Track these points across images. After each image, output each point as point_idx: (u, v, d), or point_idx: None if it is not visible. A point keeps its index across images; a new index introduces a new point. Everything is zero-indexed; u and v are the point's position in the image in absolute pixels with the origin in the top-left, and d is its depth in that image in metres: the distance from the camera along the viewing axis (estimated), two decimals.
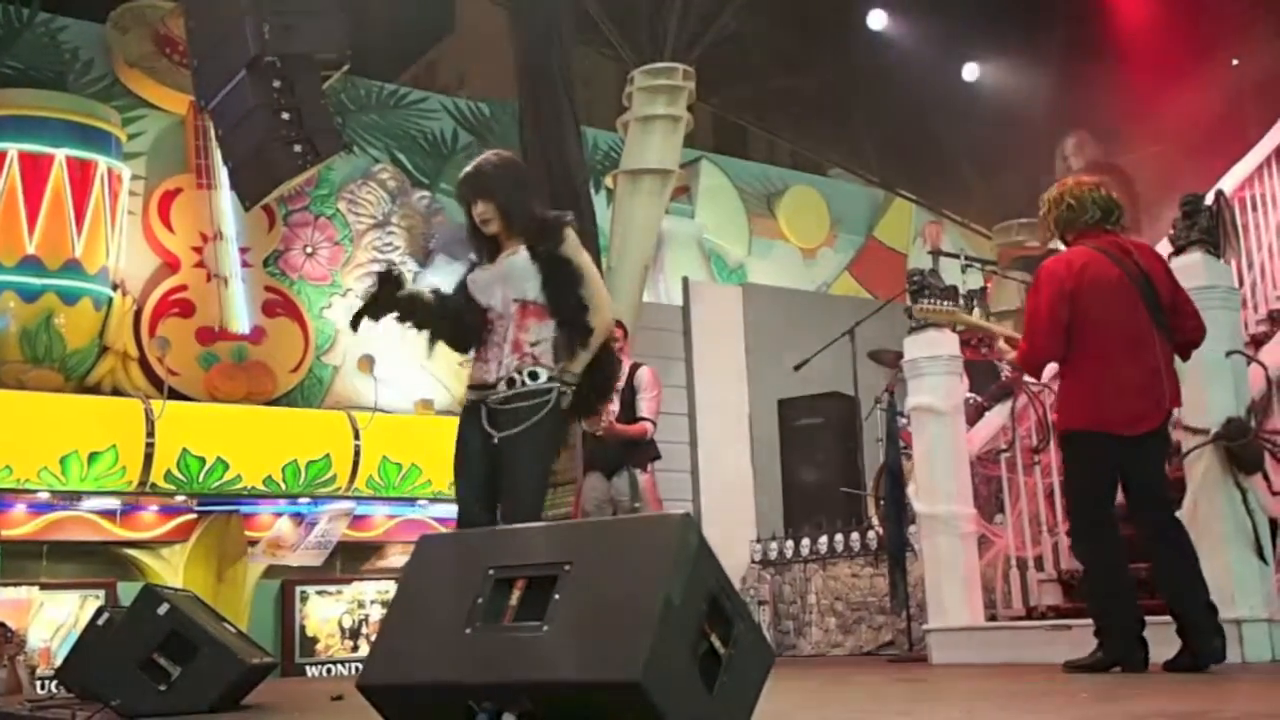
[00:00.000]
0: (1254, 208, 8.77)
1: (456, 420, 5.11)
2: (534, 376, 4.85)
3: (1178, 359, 5.40)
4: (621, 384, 7.63)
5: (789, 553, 9.90)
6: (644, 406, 7.69)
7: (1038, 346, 5.36)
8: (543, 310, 4.92)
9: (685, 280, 12.56)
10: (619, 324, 7.98)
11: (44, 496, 10.54)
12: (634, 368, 7.83)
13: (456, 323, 5.12)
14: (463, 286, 5.16)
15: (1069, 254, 5.44)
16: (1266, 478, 5.79)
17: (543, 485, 5.04)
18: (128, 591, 10.22)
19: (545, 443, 4.94)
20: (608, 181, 13.25)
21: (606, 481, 7.50)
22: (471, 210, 5.05)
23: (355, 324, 5.20)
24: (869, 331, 9.70)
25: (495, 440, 4.85)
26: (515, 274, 4.94)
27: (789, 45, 13.21)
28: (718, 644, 2.93)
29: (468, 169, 5.11)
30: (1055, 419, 5.52)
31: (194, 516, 11.25)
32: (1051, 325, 5.30)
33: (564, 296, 4.91)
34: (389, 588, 11.66)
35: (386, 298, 5.13)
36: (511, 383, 4.86)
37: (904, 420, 7.80)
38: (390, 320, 5.16)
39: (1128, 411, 5.27)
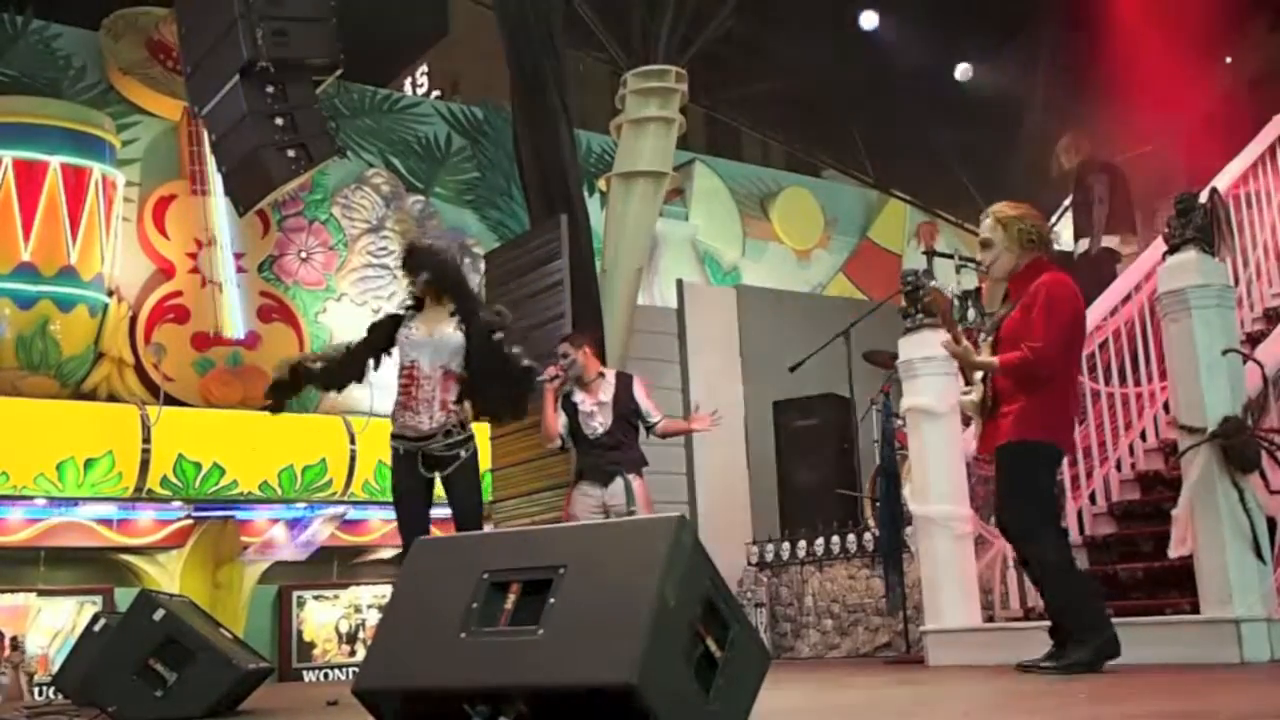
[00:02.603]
0: (1248, 205, 8.77)
1: None
2: (463, 426, 6.21)
3: None
4: (607, 398, 7.58)
5: (785, 555, 9.89)
6: (653, 409, 7.70)
7: (1052, 353, 5.34)
8: (459, 376, 6.20)
9: (679, 282, 12.55)
10: (588, 339, 7.93)
11: (41, 503, 10.54)
12: (624, 378, 7.78)
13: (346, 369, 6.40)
14: (383, 333, 6.38)
15: (1072, 282, 5.54)
16: (1264, 476, 5.77)
17: (481, 504, 6.49)
18: (125, 597, 10.21)
19: (476, 473, 6.37)
20: (601, 184, 13.25)
21: (601, 489, 7.47)
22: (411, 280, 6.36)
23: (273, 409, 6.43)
24: (864, 333, 9.69)
25: (450, 473, 6.16)
26: (447, 347, 6.21)
27: (781, 46, 13.19)
28: (713, 647, 2.92)
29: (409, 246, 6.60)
30: (1014, 426, 5.45)
31: (190, 522, 11.26)
32: (1065, 343, 5.37)
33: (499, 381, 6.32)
34: (386, 592, 11.67)
35: (283, 391, 6.35)
36: (448, 434, 6.15)
37: (899, 421, 7.79)
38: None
39: (1071, 432, 5.82)
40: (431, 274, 6.31)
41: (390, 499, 10.88)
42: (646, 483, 7.63)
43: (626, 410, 7.54)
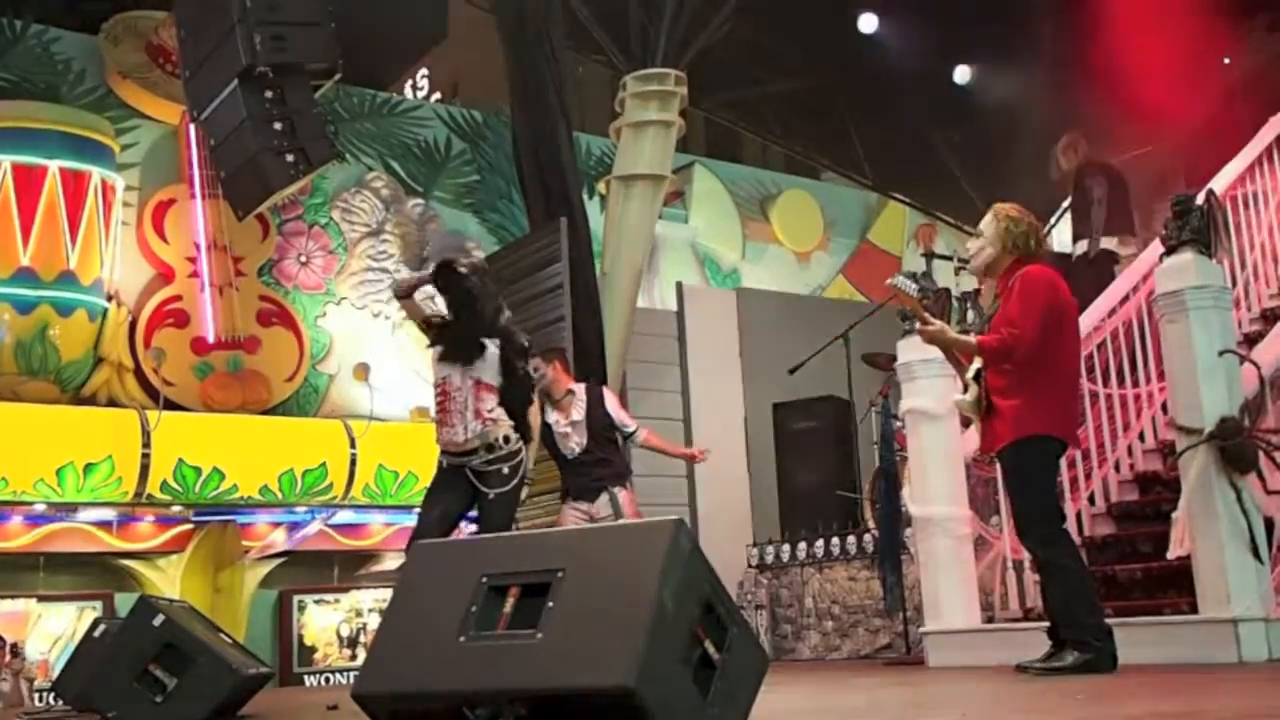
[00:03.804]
0: (1246, 206, 8.77)
1: None
2: (506, 440, 6.01)
3: None
4: (580, 415, 7.58)
5: (785, 557, 9.90)
6: (628, 420, 7.74)
7: (1029, 338, 5.32)
8: (492, 387, 6.05)
9: (679, 285, 12.56)
10: (559, 354, 7.95)
11: (40, 508, 10.53)
12: (593, 392, 7.78)
13: None
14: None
15: (1051, 271, 5.55)
16: (1261, 477, 5.78)
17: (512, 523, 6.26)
18: (125, 603, 10.22)
19: (518, 492, 6.10)
20: (600, 187, 13.26)
21: (588, 504, 7.50)
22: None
23: None
24: (863, 335, 9.69)
25: (491, 496, 5.94)
26: (482, 361, 6.05)
27: (781, 49, 13.20)
28: (711, 649, 2.92)
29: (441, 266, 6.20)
30: (1013, 424, 5.43)
31: (190, 526, 11.26)
32: (1043, 325, 5.32)
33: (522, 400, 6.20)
34: (386, 596, 11.67)
35: None
36: (490, 448, 5.97)
37: (898, 423, 7.79)
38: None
39: (1075, 425, 5.81)
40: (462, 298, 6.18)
41: (392, 503, 11.00)
42: (634, 493, 7.67)
43: (601, 425, 7.57)
